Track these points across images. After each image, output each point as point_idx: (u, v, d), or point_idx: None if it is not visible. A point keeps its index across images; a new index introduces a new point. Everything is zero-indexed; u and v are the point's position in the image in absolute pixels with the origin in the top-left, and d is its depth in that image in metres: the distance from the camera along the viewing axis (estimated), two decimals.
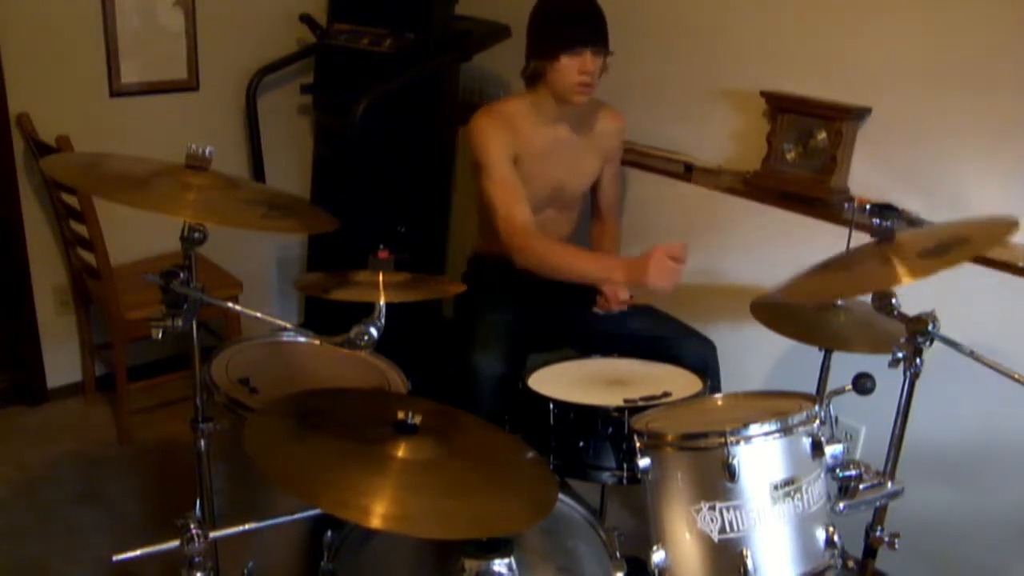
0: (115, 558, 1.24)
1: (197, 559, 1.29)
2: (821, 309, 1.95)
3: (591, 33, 2.13)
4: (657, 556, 1.42)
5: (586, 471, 1.79)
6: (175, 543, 1.27)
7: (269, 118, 3.22)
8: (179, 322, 1.36)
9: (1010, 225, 1.53)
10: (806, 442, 1.42)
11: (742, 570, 1.35)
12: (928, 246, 1.57)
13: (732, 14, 2.53)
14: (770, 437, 1.39)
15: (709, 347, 2.18)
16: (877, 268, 1.57)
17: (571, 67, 2.12)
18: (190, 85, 3.08)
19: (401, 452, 1.33)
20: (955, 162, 2.13)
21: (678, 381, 1.91)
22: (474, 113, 2.28)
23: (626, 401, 1.75)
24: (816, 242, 2.21)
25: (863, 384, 1.54)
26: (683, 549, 1.41)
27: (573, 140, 2.31)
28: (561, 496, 1.55)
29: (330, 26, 3.14)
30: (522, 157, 2.25)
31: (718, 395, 1.73)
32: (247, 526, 1.32)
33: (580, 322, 2.28)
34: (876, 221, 1.64)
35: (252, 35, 3.17)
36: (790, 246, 2.39)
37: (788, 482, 1.38)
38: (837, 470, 1.46)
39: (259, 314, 1.39)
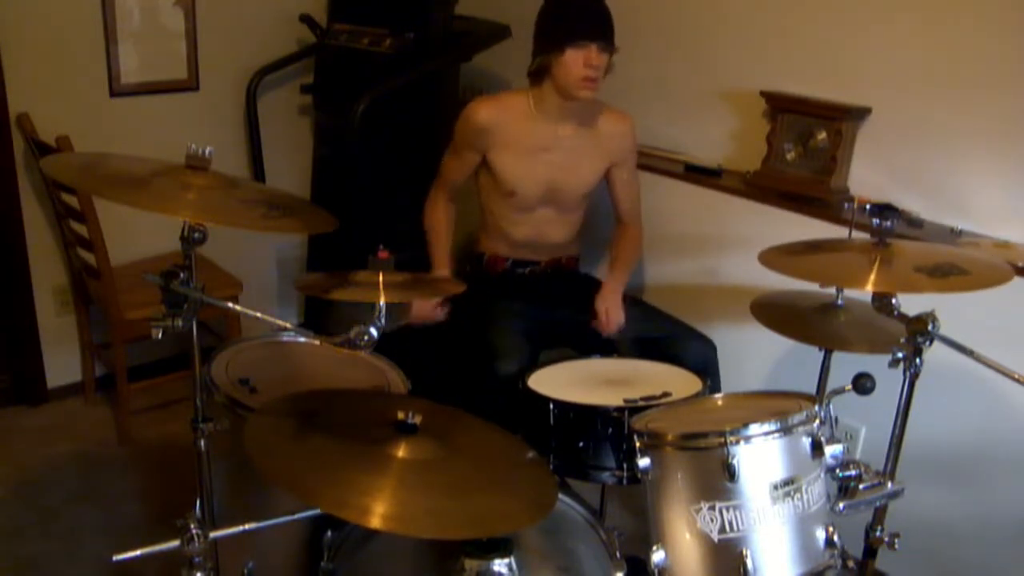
0: (115, 558, 1.25)
1: (197, 559, 1.29)
2: (821, 309, 1.95)
3: (597, 27, 2.13)
4: (657, 556, 1.42)
5: (586, 471, 1.78)
6: (175, 543, 1.28)
7: (269, 118, 3.23)
8: (179, 322, 1.36)
9: (1011, 273, 1.58)
10: (806, 442, 1.42)
11: (742, 570, 1.35)
12: (926, 263, 1.57)
13: (732, 14, 2.53)
14: (770, 437, 1.39)
15: (710, 347, 2.18)
16: (859, 265, 1.58)
17: (576, 60, 2.10)
18: (190, 85, 3.08)
19: (401, 452, 1.33)
20: (955, 162, 2.13)
21: (678, 381, 1.91)
22: None
23: (626, 401, 1.75)
24: None
25: (863, 384, 1.54)
26: (683, 549, 1.41)
27: (574, 140, 2.29)
28: (561, 496, 1.55)
29: (330, 26, 3.14)
30: (509, 151, 2.25)
31: (718, 395, 1.73)
32: (247, 526, 1.32)
33: (580, 322, 2.28)
34: (876, 221, 1.64)
35: (252, 35, 3.17)
36: None
37: (788, 482, 1.38)
38: (837, 470, 1.46)
39: (259, 314, 1.39)
